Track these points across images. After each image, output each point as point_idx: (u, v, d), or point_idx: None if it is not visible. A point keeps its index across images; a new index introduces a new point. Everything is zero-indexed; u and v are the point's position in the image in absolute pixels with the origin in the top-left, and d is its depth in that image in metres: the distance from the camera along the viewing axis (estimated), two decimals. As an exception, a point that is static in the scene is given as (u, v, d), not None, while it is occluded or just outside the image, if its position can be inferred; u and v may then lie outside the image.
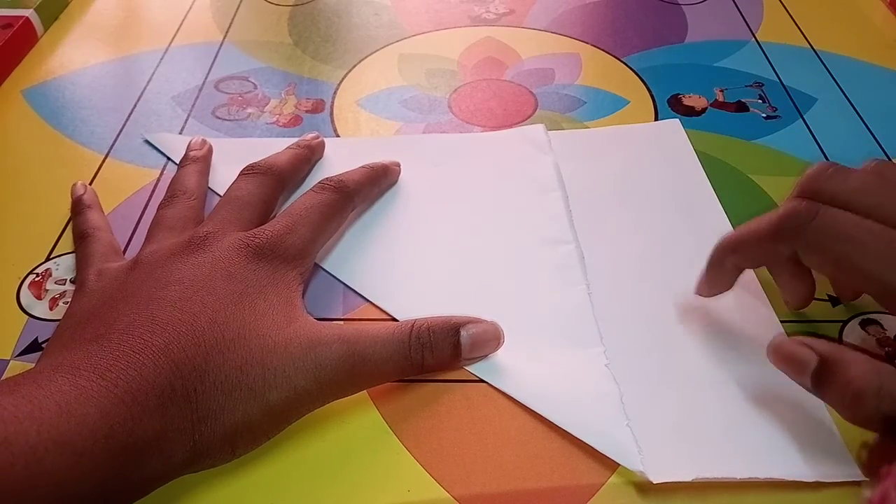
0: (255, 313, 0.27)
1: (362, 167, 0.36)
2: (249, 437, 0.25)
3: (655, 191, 0.38)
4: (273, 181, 0.34)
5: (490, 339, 0.29)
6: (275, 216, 0.32)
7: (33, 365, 0.28)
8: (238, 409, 0.24)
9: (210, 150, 0.39)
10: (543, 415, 0.28)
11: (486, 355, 0.29)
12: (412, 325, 0.28)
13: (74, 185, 0.37)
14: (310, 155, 0.38)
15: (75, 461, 0.21)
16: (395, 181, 0.38)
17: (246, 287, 0.27)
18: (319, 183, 0.33)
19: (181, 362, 0.24)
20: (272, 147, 0.37)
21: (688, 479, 0.25)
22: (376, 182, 0.36)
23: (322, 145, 0.39)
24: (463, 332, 0.28)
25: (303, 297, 0.30)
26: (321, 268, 0.34)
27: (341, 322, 0.31)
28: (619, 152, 0.40)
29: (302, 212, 0.31)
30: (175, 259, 0.28)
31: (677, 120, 0.42)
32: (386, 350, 0.27)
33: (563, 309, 0.32)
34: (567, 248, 0.34)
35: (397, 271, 0.34)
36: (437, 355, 0.28)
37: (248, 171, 0.34)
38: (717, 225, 0.35)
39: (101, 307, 0.27)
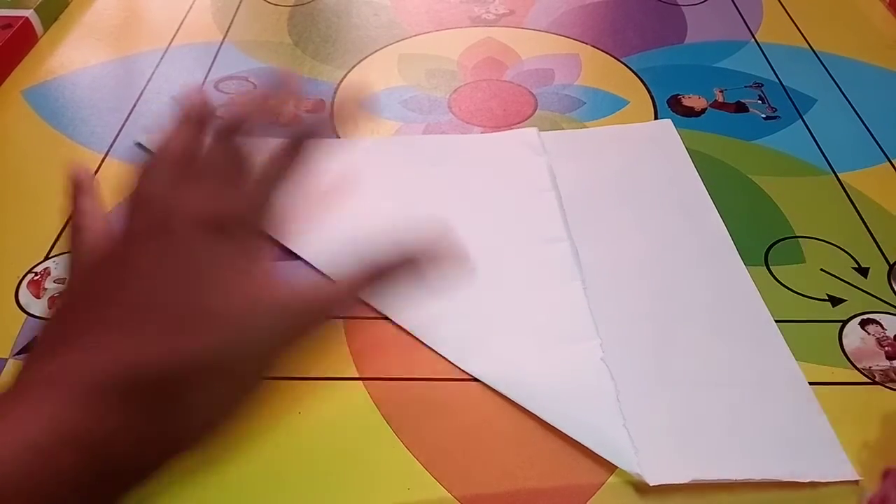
0: (214, 292, 0.26)
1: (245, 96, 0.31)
2: (226, 416, 0.25)
3: (648, 189, 0.38)
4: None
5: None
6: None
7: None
8: (210, 388, 0.24)
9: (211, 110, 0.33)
10: (541, 417, 0.28)
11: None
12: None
13: (71, 169, 0.36)
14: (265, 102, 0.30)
15: (38, 469, 0.21)
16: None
17: (202, 265, 0.27)
18: (213, 135, 0.28)
19: (143, 354, 0.24)
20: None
21: (684, 480, 0.25)
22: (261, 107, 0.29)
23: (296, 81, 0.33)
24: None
25: (264, 262, 0.28)
26: (315, 268, 0.34)
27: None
28: (612, 152, 0.40)
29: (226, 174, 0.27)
30: (132, 250, 0.28)
31: (669, 120, 0.42)
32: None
33: (559, 305, 0.32)
34: (562, 245, 0.34)
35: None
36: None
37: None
38: (709, 222, 0.36)
39: (64, 311, 0.27)
